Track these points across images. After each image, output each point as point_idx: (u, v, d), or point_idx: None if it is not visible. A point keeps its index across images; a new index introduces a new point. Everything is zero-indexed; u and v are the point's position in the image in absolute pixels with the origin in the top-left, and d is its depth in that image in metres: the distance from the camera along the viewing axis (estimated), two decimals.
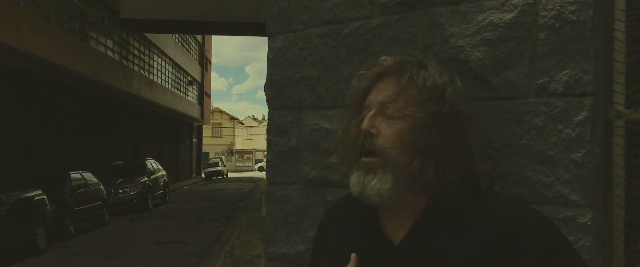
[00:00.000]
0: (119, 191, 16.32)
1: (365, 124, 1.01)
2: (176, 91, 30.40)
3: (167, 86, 27.87)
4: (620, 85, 1.20)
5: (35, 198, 10.24)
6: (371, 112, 1.02)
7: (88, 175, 13.71)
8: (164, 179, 19.79)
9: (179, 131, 33.45)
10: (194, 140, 39.46)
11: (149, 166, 18.50)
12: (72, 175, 12.62)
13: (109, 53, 19.03)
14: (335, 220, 1.21)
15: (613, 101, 1.22)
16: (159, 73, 26.34)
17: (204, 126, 43.83)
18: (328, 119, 1.65)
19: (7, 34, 11.39)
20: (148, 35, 23.60)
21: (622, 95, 1.20)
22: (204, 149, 48.12)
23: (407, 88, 1.01)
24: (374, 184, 0.99)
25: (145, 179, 17.38)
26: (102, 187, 14.21)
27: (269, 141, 1.81)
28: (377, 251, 1.04)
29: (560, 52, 1.22)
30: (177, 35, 29.97)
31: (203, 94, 39.20)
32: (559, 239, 0.96)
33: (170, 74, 28.76)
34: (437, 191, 1.00)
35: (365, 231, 1.08)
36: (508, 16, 1.29)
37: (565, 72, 1.21)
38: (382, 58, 1.10)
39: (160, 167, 20.01)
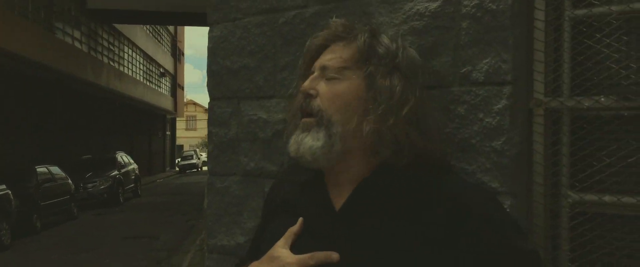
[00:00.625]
0: (89, 185, 16.04)
1: (305, 85, 1.03)
2: (148, 83, 29.93)
3: (138, 78, 27.42)
4: (540, 73, 1.22)
5: (0, 193, 10.00)
6: (314, 75, 1.05)
7: (55, 169, 13.44)
8: (135, 173, 19.51)
9: (151, 124, 32.97)
10: (168, 133, 38.97)
11: (119, 159, 18.21)
12: (37, 169, 12.35)
13: (77, 44, 18.61)
14: (284, 184, 1.21)
15: (533, 90, 1.24)
16: (130, 64, 25.89)
17: (177, 119, 43.35)
18: (266, 109, 1.64)
19: None
20: (118, 26, 23.14)
21: (541, 84, 1.22)
22: (178, 141, 47.64)
23: (352, 51, 1.03)
24: (306, 141, 1.00)
25: (116, 172, 17.11)
26: (70, 181, 13.94)
27: (209, 132, 1.79)
28: (320, 216, 1.04)
29: (482, 41, 1.23)
30: (148, 26, 29.46)
31: (176, 86, 38.71)
32: (500, 210, 1.01)
33: (141, 65, 28.29)
34: (383, 159, 1.01)
35: (310, 196, 1.09)
36: (433, 5, 1.30)
37: (486, 61, 1.23)
38: (333, 20, 1.12)
39: (131, 160, 19.71)
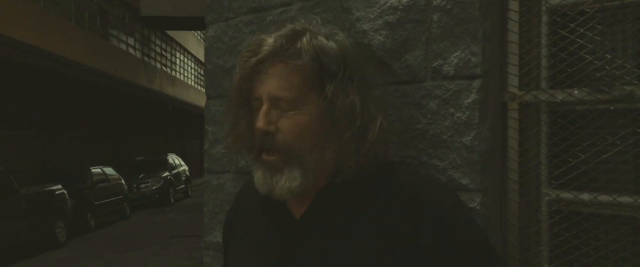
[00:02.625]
0: (141, 186, 16.62)
1: (261, 122, 0.94)
2: (199, 87, 30.77)
3: (189, 82, 28.25)
4: (514, 66, 1.17)
5: (56, 192, 10.53)
6: (264, 107, 0.95)
7: (109, 170, 14.02)
8: (186, 174, 20.07)
9: (202, 127, 33.75)
10: None
11: (170, 160, 18.78)
12: (92, 170, 12.93)
13: (131, 50, 19.38)
14: (247, 196, 1.20)
15: (508, 83, 1.19)
16: (182, 69, 26.71)
17: None
18: None
19: (26, 33, 11.72)
20: (170, 32, 23.92)
21: (515, 77, 1.17)
22: None
23: (301, 76, 0.94)
24: (283, 184, 0.96)
25: (167, 173, 17.66)
26: (123, 182, 14.51)
27: (205, 131, 1.83)
28: (282, 226, 1.04)
29: (452, 34, 1.20)
30: (199, 32, 30.31)
31: None
32: (456, 203, 1.00)
33: (192, 70, 29.13)
34: (340, 166, 0.99)
35: (272, 207, 1.07)
36: None
37: (456, 54, 1.19)
38: (262, 37, 0.99)
39: (182, 162, 20.30)
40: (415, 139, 1.27)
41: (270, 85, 0.95)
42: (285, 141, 0.95)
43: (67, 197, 10.86)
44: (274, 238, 1.03)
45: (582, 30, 1.11)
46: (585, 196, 1.11)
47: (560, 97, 1.12)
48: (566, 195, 1.13)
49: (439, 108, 1.22)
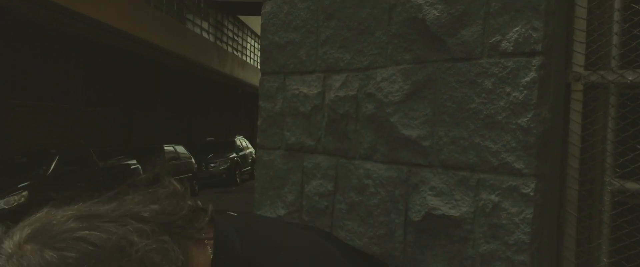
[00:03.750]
0: (210, 165, 17.21)
1: None
2: None
3: (259, 67, 28.79)
4: (580, 43, 1.08)
5: (131, 167, 11.13)
6: None
7: (180, 148, 14.62)
8: (252, 156, 20.55)
9: None
10: None
11: (238, 142, 19.30)
12: (165, 147, 13.53)
13: (204, 34, 19.99)
14: None
15: (572, 62, 1.10)
16: (252, 54, 27.26)
17: None
18: (307, 84, 1.64)
19: (109, 15, 12.37)
20: (242, 17, 24.46)
21: (581, 55, 1.08)
22: None
23: None
24: None
25: (234, 155, 18.16)
26: (193, 160, 15.09)
27: (259, 107, 1.84)
28: None
29: (512, 7, 1.12)
30: None
31: None
32: None
33: None
34: None
35: None
36: None
37: (516, 29, 1.11)
38: None
39: (249, 144, 20.80)
40: (468, 120, 1.20)
41: None
42: None
43: (141, 172, 11.41)
44: None
45: None
46: None
47: (630, 78, 1.02)
48: (632, 185, 1.03)
49: (494, 87, 1.15)
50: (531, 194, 1.08)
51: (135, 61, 15.88)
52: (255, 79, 27.05)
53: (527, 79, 1.09)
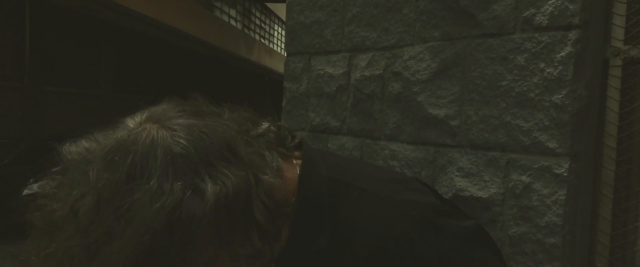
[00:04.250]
0: None
1: None
2: None
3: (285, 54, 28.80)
4: (620, 16, 1.02)
5: None
6: None
7: None
8: None
9: None
10: None
11: None
12: None
13: (232, 22, 20.07)
14: None
15: (611, 36, 1.04)
16: (279, 42, 27.27)
17: None
18: (332, 64, 1.61)
19: (138, 2, 12.52)
20: (269, 4, 24.45)
21: (621, 29, 1.03)
22: None
23: None
24: None
25: None
26: None
27: (284, 88, 1.82)
28: None
29: None
30: None
31: None
32: (443, 251, 0.65)
33: None
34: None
35: None
36: None
37: (552, 2, 1.06)
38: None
39: None
40: (498, 97, 1.16)
41: None
42: None
43: None
44: None
45: None
46: None
47: None
48: None
49: (527, 63, 1.10)
50: (565, 174, 1.03)
51: (164, 49, 16.08)
52: (281, 67, 27.06)
53: (563, 54, 1.04)
